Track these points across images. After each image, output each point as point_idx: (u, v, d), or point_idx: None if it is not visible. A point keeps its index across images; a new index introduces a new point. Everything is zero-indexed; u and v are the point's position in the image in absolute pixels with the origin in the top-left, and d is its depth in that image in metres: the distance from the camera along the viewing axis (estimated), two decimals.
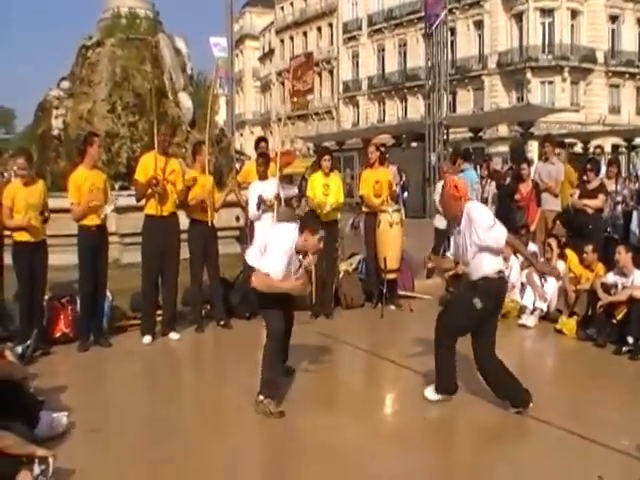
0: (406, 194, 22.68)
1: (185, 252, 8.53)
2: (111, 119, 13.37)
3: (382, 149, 12.86)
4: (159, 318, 8.37)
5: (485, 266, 5.71)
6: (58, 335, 7.84)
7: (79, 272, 7.77)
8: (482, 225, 5.64)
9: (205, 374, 7.45)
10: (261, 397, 5.75)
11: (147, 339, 8.03)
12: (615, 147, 35.65)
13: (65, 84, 14.37)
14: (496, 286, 5.82)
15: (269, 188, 9.04)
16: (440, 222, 11.92)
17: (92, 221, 7.67)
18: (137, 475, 4.69)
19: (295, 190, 17.53)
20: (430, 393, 6.04)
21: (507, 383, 5.83)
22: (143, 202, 8.12)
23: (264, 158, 9.45)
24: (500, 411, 5.81)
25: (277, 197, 8.98)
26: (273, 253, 5.86)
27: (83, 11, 27.72)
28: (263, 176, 9.23)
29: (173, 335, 8.27)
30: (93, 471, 4.69)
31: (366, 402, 6.29)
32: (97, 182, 7.76)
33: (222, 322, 8.84)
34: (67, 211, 7.79)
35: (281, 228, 6.23)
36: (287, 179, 20.91)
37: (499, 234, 5.67)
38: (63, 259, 8.65)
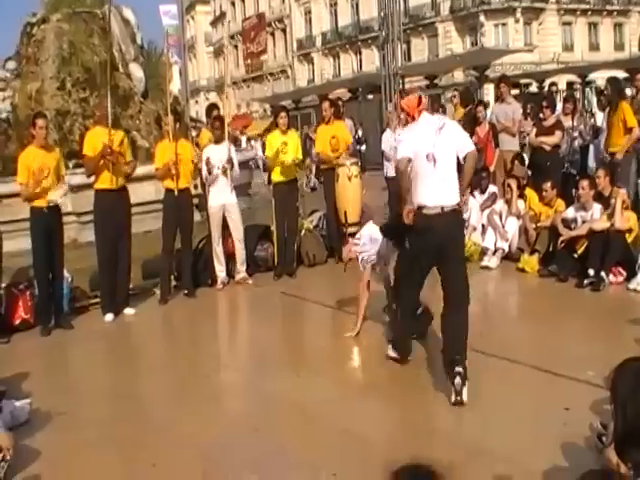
0: (364, 147, 22.62)
1: (141, 226, 8.39)
2: (61, 96, 13.13)
3: (339, 103, 12.75)
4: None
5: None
6: (18, 322, 7.67)
7: (33, 255, 7.54)
8: None
9: (171, 345, 7.39)
10: None
11: (109, 317, 7.89)
12: (570, 84, 35.63)
13: (11, 64, 14.06)
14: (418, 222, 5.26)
15: (222, 152, 8.94)
16: (392, 170, 11.89)
17: (44, 201, 7.45)
18: (105, 454, 4.61)
19: (252, 153, 17.44)
20: (390, 351, 5.88)
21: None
22: (93, 178, 7.94)
23: (220, 121, 9.34)
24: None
25: (229, 161, 8.88)
26: None
27: None
28: (220, 140, 9.12)
29: (128, 310, 8.14)
30: (58, 453, 4.63)
31: (334, 358, 6.30)
32: (48, 161, 7.50)
33: (186, 291, 8.76)
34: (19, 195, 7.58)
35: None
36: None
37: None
38: (18, 245, 8.45)
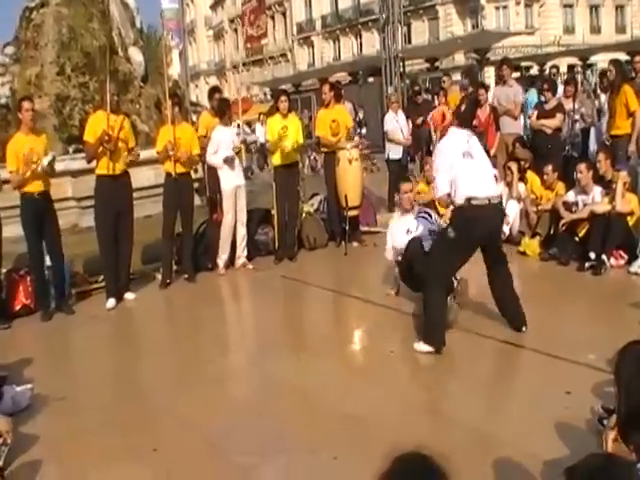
0: (365, 130, 22.55)
1: (141, 211, 8.38)
2: (61, 81, 13.01)
3: (338, 86, 12.71)
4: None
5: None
6: (18, 308, 7.69)
7: (26, 241, 7.52)
8: None
9: (172, 330, 7.39)
10: None
11: (111, 302, 7.86)
12: (571, 67, 35.52)
13: (10, 49, 13.94)
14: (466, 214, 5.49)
15: (230, 134, 8.97)
16: (394, 152, 11.89)
17: (34, 187, 7.40)
18: (107, 439, 4.61)
19: (255, 136, 17.42)
20: (420, 345, 5.62)
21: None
22: (94, 164, 7.91)
23: (227, 103, 9.39)
24: (467, 335, 5.85)
25: (244, 142, 8.91)
26: None
27: None
28: (227, 122, 9.12)
29: (129, 295, 8.14)
30: (59, 437, 4.64)
31: (334, 341, 6.29)
32: (36, 147, 7.44)
33: (187, 275, 8.76)
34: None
35: None
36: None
37: None
38: (19, 230, 8.41)
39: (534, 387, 4.84)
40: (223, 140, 8.84)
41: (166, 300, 8.36)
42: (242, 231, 9.09)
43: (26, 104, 7.49)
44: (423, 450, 2.02)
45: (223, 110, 9.12)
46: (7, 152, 7.40)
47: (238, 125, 10.81)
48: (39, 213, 7.48)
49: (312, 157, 19.42)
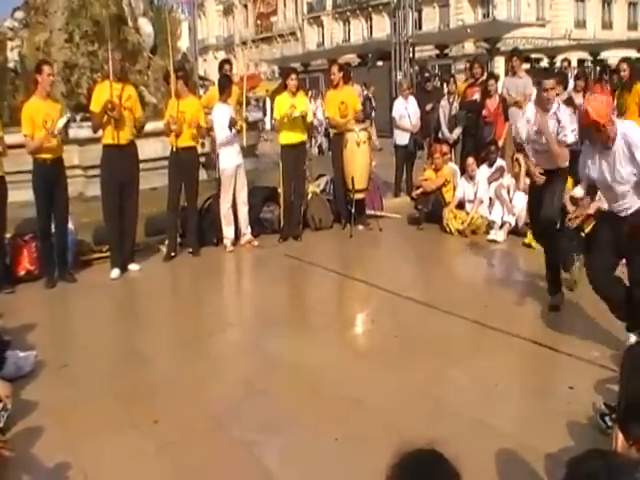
0: (373, 113, 22.46)
1: (147, 182, 8.38)
2: (69, 49, 12.96)
3: (347, 68, 12.64)
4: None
5: None
6: (22, 273, 7.69)
7: (36, 208, 7.51)
8: None
9: (174, 303, 7.39)
10: None
11: (115, 272, 7.87)
12: (581, 61, 35.37)
13: (19, 14, 13.86)
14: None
15: (228, 113, 8.89)
16: (401, 138, 11.86)
17: (47, 154, 7.38)
18: (107, 408, 4.63)
19: (260, 114, 17.32)
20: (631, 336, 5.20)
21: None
22: (101, 133, 7.87)
23: (227, 80, 9.32)
24: (471, 325, 5.87)
25: (246, 120, 8.85)
26: None
27: None
28: (226, 100, 9.03)
29: (133, 266, 8.15)
30: (60, 404, 4.66)
31: (337, 323, 6.32)
32: (52, 113, 7.40)
33: (191, 249, 8.75)
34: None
35: None
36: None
37: None
38: (25, 195, 8.39)
39: (537, 380, 4.86)
40: (220, 118, 8.78)
41: (170, 273, 8.37)
42: (244, 209, 9.07)
43: (47, 68, 7.43)
44: (435, 447, 1.98)
45: (222, 87, 9.07)
46: (22, 116, 7.36)
47: (250, 101, 10.75)
48: (51, 180, 7.47)
49: (318, 137, 19.37)
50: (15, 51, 13.28)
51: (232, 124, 8.69)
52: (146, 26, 14.54)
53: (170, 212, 8.66)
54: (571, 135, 5.97)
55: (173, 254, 8.61)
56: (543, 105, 6.13)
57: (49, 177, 7.46)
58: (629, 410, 3.01)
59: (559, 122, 6.06)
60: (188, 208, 8.81)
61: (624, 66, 9.98)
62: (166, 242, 8.69)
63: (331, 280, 7.75)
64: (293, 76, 9.55)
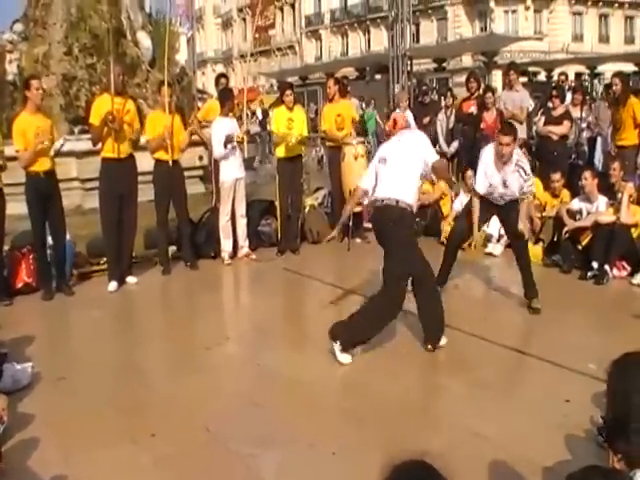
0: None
1: (144, 195, 8.37)
2: (68, 61, 13.04)
3: (344, 81, 12.71)
4: None
5: None
6: (20, 285, 7.69)
7: (30, 221, 7.51)
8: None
9: (172, 316, 7.37)
10: None
11: (113, 285, 7.86)
12: (578, 75, 35.53)
13: (18, 27, 13.92)
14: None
15: (233, 125, 8.91)
16: None
17: (40, 167, 7.38)
18: (104, 421, 4.62)
19: (257, 127, 17.40)
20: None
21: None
22: (100, 146, 7.88)
23: (228, 93, 9.30)
24: (470, 338, 5.86)
25: (247, 132, 8.87)
26: None
27: None
28: (227, 113, 9.04)
29: (130, 279, 8.15)
30: (57, 417, 4.65)
31: None
32: (42, 126, 7.42)
33: (189, 263, 8.74)
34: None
35: None
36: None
37: None
38: (24, 208, 8.40)
39: (533, 393, 4.84)
40: (221, 131, 8.78)
41: (167, 286, 8.36)
42: (242, 222, 9.08)
43: (35, 83, 7.44)
44: (426, 459, 1.99)
45: (223, 100, 9.08)
46: (14, 132, 7.36)
47: (248, 114, 10.78)
48: (44, 192, 7.47)
49: (318, 150, 19.43)
50: (14, 64, 13.34)
51: (228, 141, 8.67)
52: (145, 39, 14.61)
53: (160, 227, 8.63)
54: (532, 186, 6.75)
55: (169, 267, 8.60)
56: (502, 160, 6.38)
57: (42, 190, 7.46)
58: (615, 425, 3.00)
59: (525, 172, 6.25)
60: (179, 221, 8.77)
61: (616, 80, 10.07)
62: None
63: (329, 293, 7.72)
64: (288, 92, 9.59)
